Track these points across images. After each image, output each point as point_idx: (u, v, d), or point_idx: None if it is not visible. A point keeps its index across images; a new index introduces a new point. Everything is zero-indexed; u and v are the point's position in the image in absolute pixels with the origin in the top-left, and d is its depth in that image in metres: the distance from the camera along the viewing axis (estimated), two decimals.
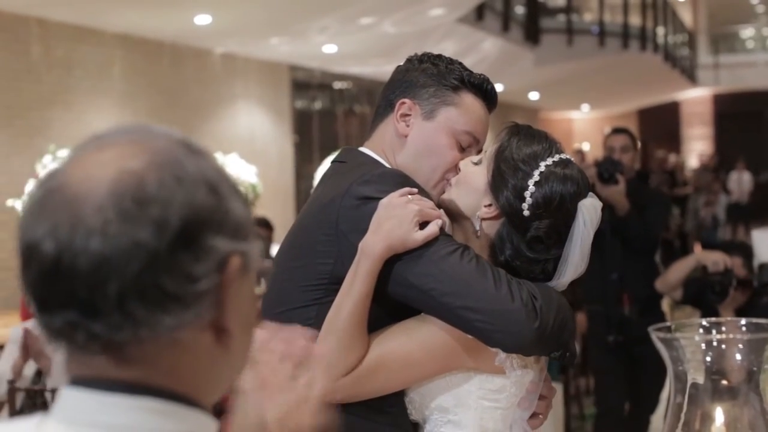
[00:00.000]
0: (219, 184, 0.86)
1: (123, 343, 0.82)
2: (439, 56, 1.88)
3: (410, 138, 1.83)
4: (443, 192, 1.83)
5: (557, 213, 1.71)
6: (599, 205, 1.77)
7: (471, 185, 1.78)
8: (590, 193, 1.77)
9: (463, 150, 1.84)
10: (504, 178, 1.73)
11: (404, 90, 1.85)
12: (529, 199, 1.71)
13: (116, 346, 0.82)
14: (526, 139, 1.76)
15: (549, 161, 1.73)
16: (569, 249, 1.73)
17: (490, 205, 1.75)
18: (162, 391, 0.84)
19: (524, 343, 1.63)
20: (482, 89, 1.86)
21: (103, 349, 0.82)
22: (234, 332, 0.87)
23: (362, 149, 1.88)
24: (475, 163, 1.80)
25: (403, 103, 1.83)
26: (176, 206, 0.81)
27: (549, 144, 1.77)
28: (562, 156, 1.76)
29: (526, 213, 1.71)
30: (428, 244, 1.64)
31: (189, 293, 0.82)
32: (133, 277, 0.79)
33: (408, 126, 1.83)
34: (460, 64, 1.88)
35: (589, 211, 1.74)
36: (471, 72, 1.87)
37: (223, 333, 0.87)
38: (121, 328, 0.81)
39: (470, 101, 1.84)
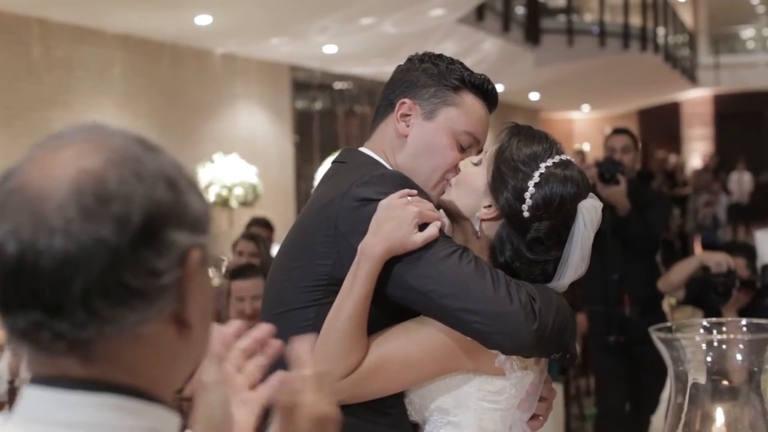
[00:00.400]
0: (177, 179, 0.87)
1: (88, 341, 0.82)
2: (440, 56, 1.88)
3: (410, 138, 1.82)
4: (443, 192, 1.83)
5: (557, 214, 1.71)
6: (599, 205, 1.77)
7: (471, 186, 1.77)
8: (590, 194, 1.77)
9: (464, 150, 1.84)
10: (504, 179, 1.72)
11: (405, 90, 1.84)
12: (528, 201, 1.70)
13: (81, 344, 0.82)
14: (526, 139, 1.76)
15: (549, 162, 1.73)
16: (569, 250, 1.73)
17: (489, 206, 1.74)
18: (122, 388, 0.85)
19: (523, 345, 1.63)
20: (483, 89, 1.85)
21: (68, 348, 0.82)
22: (195, 324, 0.88)
23: (362, 149, 1.87)
24: (475, 164, 1.79)
25: (404, 103, 1.82)
26: (137, 202, 0.82)
27: (549, 145, 1.76)
28: (563, 157, 1.75)
29: (525, 214, 1.70)
30: (427, 245, 1.63)
31: (152, 288, 0.82)
32: (97, 275, 0.80)
33: (408, 126, 1.82)
34: (461, 64, 1.88)
35: (589, 212, 1.73)
36: (472, 72, 1.86)
37: (185, 326, 0.87)
38: (85, 326, 0.81)
39: (471, 101, 1.84)
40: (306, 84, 12.63)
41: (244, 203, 8.73)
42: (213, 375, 0.99)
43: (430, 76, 1.83)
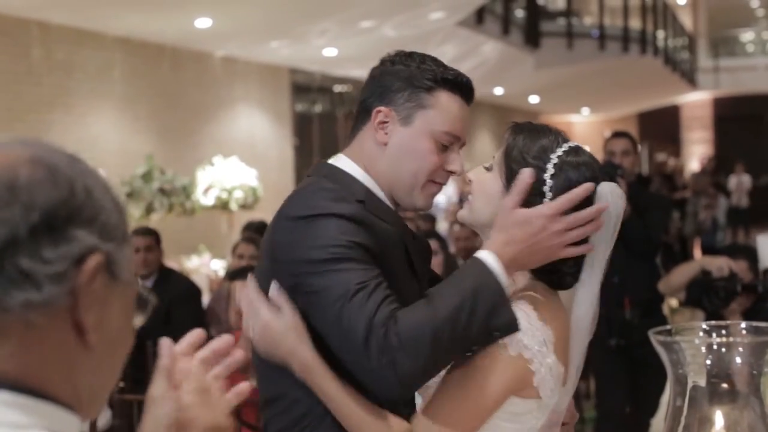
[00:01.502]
0: (93, 187, 0.92)
1: None
2: (411, 55, 1.83)
3: (390, 145, 1.80)
4: (432, 196, 1.82)
5: (580, 202, 1.68)
6: (618, 189, 1.75)
7: (488, 193, 1.74)
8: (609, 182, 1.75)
9: (446, 149, 1.82)
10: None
11: (379, 96, 1.81)
12: (549, 194, 1.68)
13: None
14: (531, 135, 1.74)
15: (559, 152, 1.70)
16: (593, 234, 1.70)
17: None
18: (9, 383, 0.86)
19: (395, 397, 1.62)
20: (457, 84, 1.81)
21: None
22: (94, 334, 0.90)
23: (337, 161, 1.84)
24: (487, 169, 1.77)
25: (379, 111, 1.80)
26: (44, 195, 0.88)
27: (554, 135, 1.74)
28: (571, 144, 1.73)
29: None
30: (328, 285, 1.61)
31: (42, 274, 0.86)
32: None
33: (386, 133, 1.80)
34: (433, 60, 1.84)
35: (612, 193, 1.72)
36: (445, 68, 1.82)
37: (82, 331, 0.89)
38: None
39: (446, 100, 1.80)
40: (306, 87, 12.64)
41: (244, 206, 8.73)
42: (161, 389, 1.01)
43: (403, 79, 1.80)
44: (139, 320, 1.00)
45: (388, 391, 1.59)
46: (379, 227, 1.71)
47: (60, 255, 0.87)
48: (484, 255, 1.64)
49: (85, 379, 0.92)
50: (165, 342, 1.05)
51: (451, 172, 1.84)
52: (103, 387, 0.96)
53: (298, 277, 1.64)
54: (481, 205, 1.75)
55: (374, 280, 1.61)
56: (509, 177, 1.71)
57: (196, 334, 1.09)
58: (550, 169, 1.69)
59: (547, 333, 1.64)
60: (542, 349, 1.62)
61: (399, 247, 1.76)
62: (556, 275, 1.73)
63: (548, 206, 1.65)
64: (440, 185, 1.85)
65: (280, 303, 1.67)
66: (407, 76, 1.80)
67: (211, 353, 1.08)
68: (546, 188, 1.68)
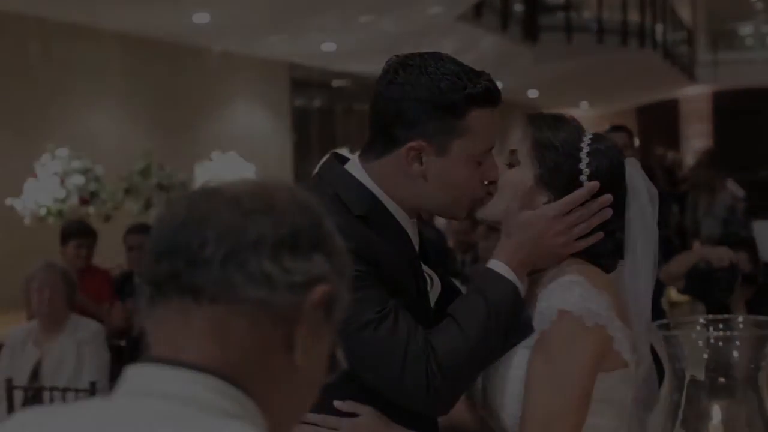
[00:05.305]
0: (334, 230, 1.01)
1: (211, 296, 0.93)
2: (425, 69, 1.67)
3: (429, 177, 1.70)
4: (470, 206, 1.76)
5: (614, 184, 1.72)
6: (637, 165, 1.79)
7: (518, 188, 1.72)
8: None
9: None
10: (558, 169, 1.71)
11: (407, 126, 1.68)
12: (586, 182, 1.70)
13: (204, 296, 0.93)
14: (554, 124, 1.75)
15: (586, 140, 1.73)
16: (627, 212, 1.74)
17: (548, 200, 1.71)
18: (222, 374, 0.92)
19: (436, 413, 1.67)
20: (488, 97, 1.70)
21: (193, 300, 0.93)
22: (301, 355, 0.95)
23: (352, 167, 1.75)
24: (511, 164, 1.76)
25: (412, 148, 1.68)
26: (294, 219, 0.97)
27: (572, 123, 1.77)
28: (589, 132, 1.77)
29: (587, 197, 1.70)
30: (348, 313, 1.61)
31: (279, 278, 0.94)
32: (243, 247, 0.94)
33: (422, 165, 1.69)
34: (452, 68, 1.69)
35: (633, 170, 1.76)
36: (468, 77, 1.68)
37: (291, 348, 0.95)
38: (216, 283, 0.93)
39: (479, 119, 1.69)
40: (304, 82, 12.62)
41: None
42: None
43: (431, 106, 1.66)
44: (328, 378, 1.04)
45: (428, 412, 1.65)
46: (380, 249, 1.65)
47: (299, 268, 0.95)
48: (498, 265, 1.68)
49: (279, 396, 0.96)
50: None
51: (491, 182, 1.76)
52: (290, 416, 1.00)
53: None
54: (509, 201, 1.72)
55: (389, 303, 1.61)
56: (545, 168, 1.71)
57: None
58: (584, 158, 1.71)
59: (606, 297, 1.63)
60: (610, 314, 1.61)
61: (405, 263, 1.71)
62: (594, 259, 1.73)
63: (551, 207, 1.69)
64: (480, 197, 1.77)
65: (350, 408, 1.65)
66: (434, 100, 1.66)
67: None
68: (583, 177, 1.70)
